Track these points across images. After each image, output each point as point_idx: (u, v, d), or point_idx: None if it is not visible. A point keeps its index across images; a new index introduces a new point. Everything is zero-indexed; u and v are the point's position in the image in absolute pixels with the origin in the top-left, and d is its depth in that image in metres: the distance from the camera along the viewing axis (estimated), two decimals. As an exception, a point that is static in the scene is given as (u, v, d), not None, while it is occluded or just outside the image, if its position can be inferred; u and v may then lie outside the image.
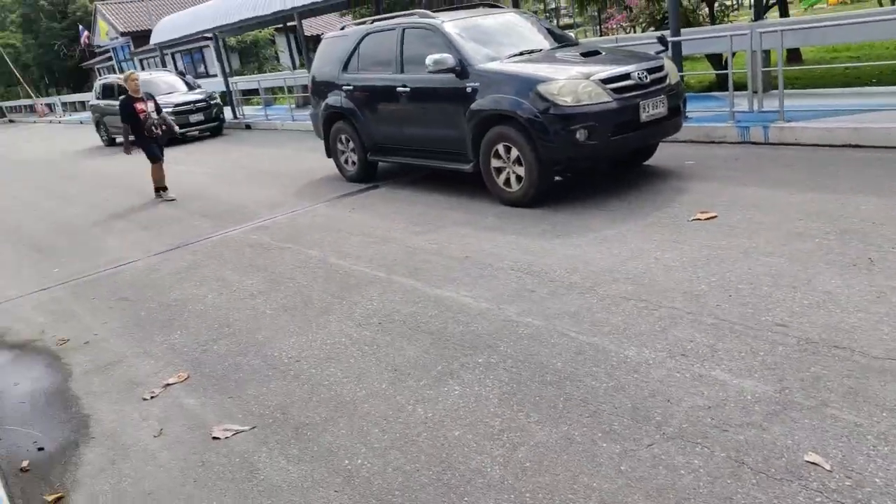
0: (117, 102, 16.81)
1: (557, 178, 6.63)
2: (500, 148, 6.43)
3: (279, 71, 26.25)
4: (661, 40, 7.63)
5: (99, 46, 38.73)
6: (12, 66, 42.51)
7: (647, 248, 4.85)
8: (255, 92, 20.97)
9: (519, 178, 6.35)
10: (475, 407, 3.18)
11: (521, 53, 6.90)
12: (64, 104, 38.10)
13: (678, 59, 8.93)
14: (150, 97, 9.54)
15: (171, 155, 13.97)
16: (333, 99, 8.56)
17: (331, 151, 9.05)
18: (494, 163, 6.54)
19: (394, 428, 3.12)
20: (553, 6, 48.94)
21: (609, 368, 3.32)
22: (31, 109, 42.75)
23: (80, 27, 38.74)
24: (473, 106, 6.51)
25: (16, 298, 6.00)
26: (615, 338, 3.61)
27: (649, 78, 6.19)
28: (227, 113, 18.49)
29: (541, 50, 7.10)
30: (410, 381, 3.52)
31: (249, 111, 19.76)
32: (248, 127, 17.76)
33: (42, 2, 42.01)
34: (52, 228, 8.71)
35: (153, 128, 9.28)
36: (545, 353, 3.56)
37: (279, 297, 5.06)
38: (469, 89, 6.56)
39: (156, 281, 5.88)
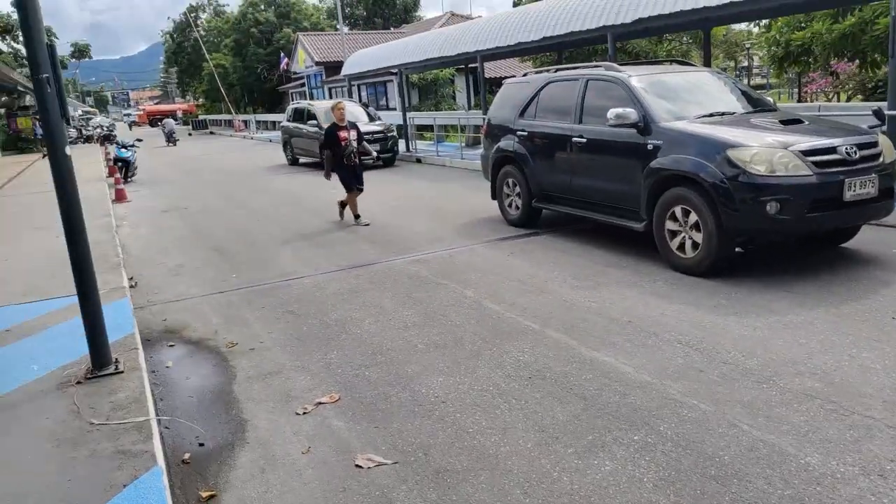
0: (305, 126, 18.29)
1: (738, 249, 6.20)
2: (678, 210, 6.13)
3: (454, 109, 27.16)
4: (878, 114, 7.01)
5: (295, 73, 42.13)
6: (220, 84, 47.34)
7: (840, 342, 4.36)
8: (429, 127, 21.76)
9: (695, 245, 6.01)
10: (627, 488, 2.96)
11: (711, 115, 6.59)
12: (258, 122, 41.71)
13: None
14: (354, 126, 9.88)
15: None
16: (506, 143, 8.65)
17: (496, 193, 9.13)
18: (669, 225, 6.25)
19: (536, 493, 2.97)
20: (745, 64, 46.94)
21: (786, 474, 2.96)
22: (230, 124, 47.20)
23: (282, 54, 42.41)
24: (653, 164, 6.29)
25: (197, 297, 6.51)
26: (795, 439, 3.23)
27: (859, 154, 5.67)
28: (401, 145, 19.30)
29: (734, 113, 6.75)
30: (558, 445, 3.36)
31: (421, 145, 20.50)
32: (418, 160, 18.41)
33: (253, 29, 46.52)
34: (236, 236, 9.42)
35: (352, 155, 9.51)
36: (711, 443, 3.26)
37: (432, 332, 5.09)
38: (650, 146, 6.35)
39: (320, 299, 6.14)
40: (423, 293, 6.10)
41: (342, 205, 9.88)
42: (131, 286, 6.66)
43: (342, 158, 9.52)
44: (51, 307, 5.74)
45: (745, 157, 5.60)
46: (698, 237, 5.97)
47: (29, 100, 34.33)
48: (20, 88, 31.74)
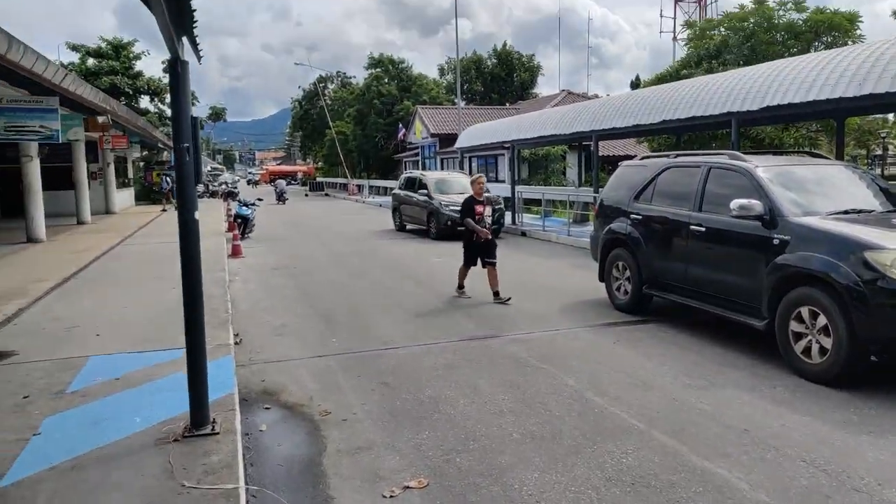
0: (415, 194, 18.70)
1: (873, 357, 5.64)
2: (805, 311, 5.67)
3: (564, 185, 27.08)
4: None
5: (410, 143, 43.64)
6: (339, 150, 49.71)
7: None
8: (536, 202, 21.74)
9: (823, 350, 5.51)
10: None
11: (846, 212, 6.15)
12: (370, 187, 43.25)
13: None
14: (490, 203, 9.93)
15: (447, 250, 14.87)
16: (618, 225, 8.42)
17: (604, 275, 8.85)
18: (794, 326, 5.78)
19: None
20: (878, 153, 44.41)
21: None
22: (344, 188, 49.21)
23: (399, 125, 44.16)
24: (779, 260, 5.89)
25: (297, 359, 6.57)
26: None
27: None
28: (508, 218, 19.34)
29: (871, 211, 6.28)
30: (664, 568, 3.03)
31: (528, 219, 20.47)
32: (523, 234, 18.34)
33: (376, 101, 48.84)
34: (339, 299, 9.58)
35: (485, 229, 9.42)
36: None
37: (528, 421, 4.85)
38: (776, 241, 5.96)
39: (415, 373, 6.04)
40: (521, 377, 5.88)
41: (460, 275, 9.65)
42: (236, 342, 6.82)
43: (472, 232, 9.46)
44: (160, 359, 5.94)
45: (886, 260, 5.14)
46: (827, 342, 5.48)
47: (166, 155, 37.28)
48: (160, 146, 34.54)
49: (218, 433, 4.25)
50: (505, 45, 60.08)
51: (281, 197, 36.50)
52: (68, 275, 10.58)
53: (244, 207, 18.48)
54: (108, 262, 12.37)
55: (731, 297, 6.64)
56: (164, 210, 27.01)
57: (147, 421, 4.49)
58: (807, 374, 5.65)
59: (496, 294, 9.23)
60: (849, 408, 5.00)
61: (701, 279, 7.05)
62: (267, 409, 5.23)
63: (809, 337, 5.66)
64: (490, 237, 9.52)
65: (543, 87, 60.38)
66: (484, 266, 9.40)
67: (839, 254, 5.44)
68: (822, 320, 5.52)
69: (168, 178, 29.53)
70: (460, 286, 9.60)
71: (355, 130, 51.57)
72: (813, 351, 5.62)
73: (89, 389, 5.16)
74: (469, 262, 9.58)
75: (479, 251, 9.49)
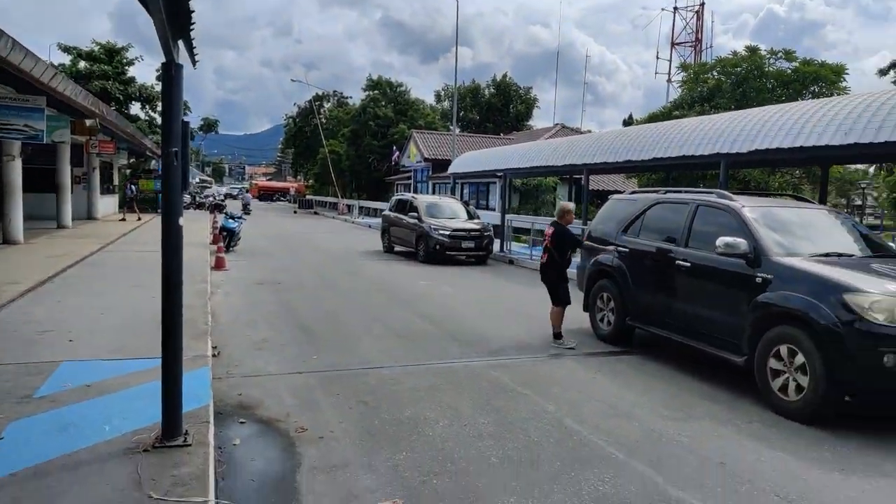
0: (405, 216, 18.72)
1: (848, 398, 5.65)
2: (783, 349, 5.71)
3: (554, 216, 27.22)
4: None
5: (404, 166, 43.76)
6: (331, 169, 49.75)
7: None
8: (526, 231, 21.81)
9: (800, 388, 5.54)
10: None
11: (827, 254, 6.22)
12: (360, 208, 43.25)
13: None
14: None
15: (434, 274, 14.85)
16: (605, 257, 8.46)
17: (588, 306, 8.86)
18: (772, 363, 5.80)
19: None
20: (858, 203, 45.18)
21: None
22: (334, 206, 49.22)
23: (394, 147, 44.31)
24: (760, 297, 5.94)
25: (276, 374, 6.49)
26: None
27: None
28: (496, 245, 19.37)
29: (852, 255, 6.35)
30: None
31: (516, 247, 20.51)
32: (511, 262, 18.37)
33: (371, 122, 49.05)
34: (322, 316, 9.50)
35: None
36: None
37: (508, 446, 4.80)
38: (759, 279, 6.01)
39: (396, 393, 5.98)
40: (502, 401, 5.84)
41: (557, 319, 8.27)
42: (214, 355, 6.73)
43: (563, 268, 8.33)
44: (134, 367, 5.83)
45: (864, 303, 5.20)
46: (804, 380, 5.52)
47: (154, 164, 37.12)
48: (148, 153, 34.38)
49: (190, 445, 4.16)
50: (505, 76, 60.73)
51: (245, 208, 36.57)
52: (44, 278, 10.43)
53: (230, 220, 18.39)
54: (86, 267, 12.22)
55: (712, 332, 6.66)
56: (122, 219, 25.60)
57: (117, 429, 4.39)
58: (783, 410, 5.66)
59: (560, 335, 8.19)
60: (823, 445, 5.02)
61: (684, 313, 7.07)
62: (242, 423, 5.15)
63: (787, 375, 5.68)
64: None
65: (538, 120, 60.99)
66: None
67: (819, 294, 5.49)
68: (799, 359, 5.55)
69: (133, 187, 28.49)
70: (559, 334, 8.20)
71: (349, 150, 51.68)
72: (790, 388, 5.64)
73: (58, 395, 5.05)
74: (566, 301, 8.32)
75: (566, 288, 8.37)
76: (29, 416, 4.60)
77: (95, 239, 17.46)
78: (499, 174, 21.68)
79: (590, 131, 39.48)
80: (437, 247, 17.12)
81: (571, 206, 8.58)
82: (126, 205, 27.42)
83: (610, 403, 5.89)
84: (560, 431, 5.15)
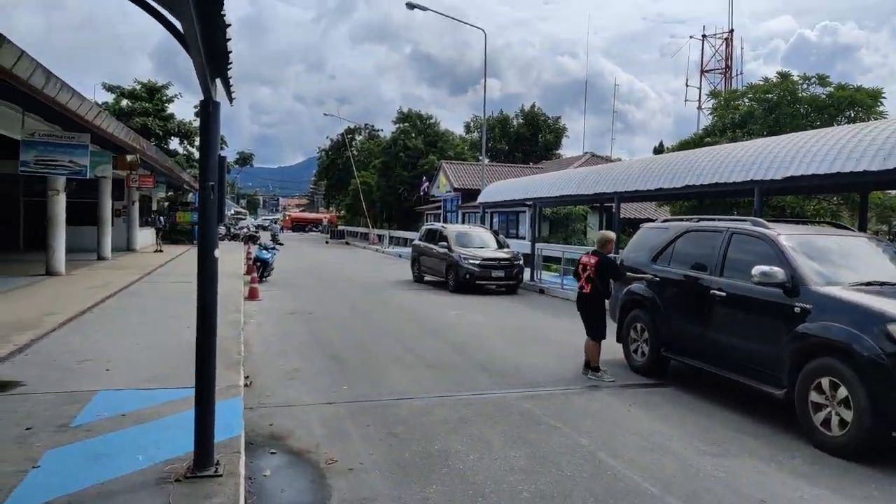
0: (435, 246, 18.77)
1: (895, 434, 5.46)
2: (825, 382, 5.54)
3: (585, 245, 27.05)
4: None
5: (433, 196, 44.05)
6: (363, 200, 50.28)
7: None
8: (556, 259, 21.69)
9: (843, 423, 5.36)
10: None
11: (869, 283, 6.06)
12: (391, 238, 43.52)
13: None
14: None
15: (465, 303, 14.82)
16: (637, 286, 8.35)
17: (621, 337, 8.74)
18: (814, 397, 5.64)
19: None
20: (902, 226, 44.16)
21: None
22: (365, 237, 49.61)
23: (423, 178, 44.68)
24: (799, 328, 5.79)
25: (307, 405, 6.50)
26: None
27: None
28: (526, 274, 19.28)
29: (895, 284, 6.17)
30: None
31: (546, 277, 20.37)
32: (541, 291, 18.25)
33: (402, 154, 49.59)
34: (353, 347, 9.52)
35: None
36: None
37: (539, 480, 4.72)
38: (798, 309, 5.87)
39: (426, 425, 5.93)
40: (534, 434, 5.76)
41: (595, 352, 8.05)
42: (246, 385, 6.77)
43: (605, 298, 8.16)
44: (168, 397, 5.90)
45: (910, 333, 5.03)
46: (847, 415, 5.34)
47: (191, 196, 37.90)
48: (185, 187, 35.17)
49: (221, 475, 4.17)
50: (533, 106, 61.00)
51: (274, 238, 36.72)
52: (84, 309, 10.65)
53: (264, 251, 18.63)
54: (124, 298, 12.46)
55: (749, 364, 6.50)
56: (158, 250, 26.01)
57: (150, 459, 4.42)
58: (826, 446, 5.48)
59: (598, 368, 8.00)
60: (869, 483, 4.84)
61: (720, 344, 6.92)
62: (273, 453, 5.15)
63: (829, 408, 5.51)
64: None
65: (568, 149, 60.97)
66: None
67: (861, 325, 5.33)
68: (842, 392, 5.38)
69: (161, 218, 28.55)
70: (598, 367, 7.99)
71: (379, 181, 52.21)
72: (833, 423, 5.47)
73: (94, 424, 5.12)
74: (603, 335, 8.08)
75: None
76: (65, 444, 4.67)
77: (134, 270, 17.82)
78: (528, 203, 21.66)
79: (619, 159, 39.35)
80: (467, 276, 17.10)
81: (612, 235, 8.49)
82: (158, 236, 27.81)
83: (645, 437, 5.77)
84: (593, 466, 5.05)
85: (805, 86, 24.51)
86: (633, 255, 8.78)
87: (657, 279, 7.99)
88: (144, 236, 29.43)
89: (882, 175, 9.23)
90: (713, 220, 7.98)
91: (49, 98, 9.94)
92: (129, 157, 20.06)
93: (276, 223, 56.34)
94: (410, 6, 27.94)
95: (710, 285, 7.04)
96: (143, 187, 25.79)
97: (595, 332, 8.05)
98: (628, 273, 8.56)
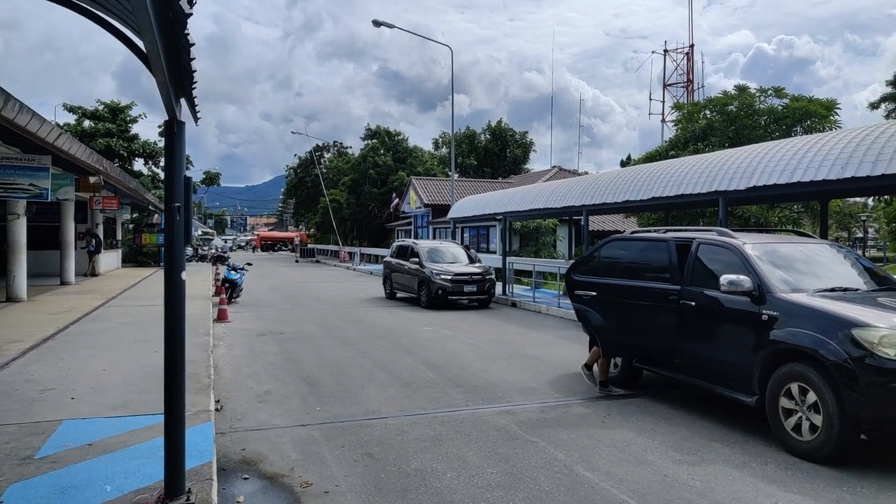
0: (407, 262, 18.75)
1: (864, 436, 5.56)
2: (794, 388, 5.63)
3: (555, 258, 27.24)
4: None
5: (404, 212, 44.05)
6: (332, 217, 50.05)
7: None
8: (527, 273, 21.80)
9: (813, 427, 5.44)
10: None
11: (832, 289, 6.18)
12: (362, 255, 43.35)
13: None
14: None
15: (437, 319, 14.80)
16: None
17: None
18: (784, 402, 5.72)
19: None
20: (859, 235, 45.25)
21: None
22: (335, 254, 49.35)
23: (394, 195, 44.66)
24: (768, 335, 5.87)
25: (279, 427, 6.39)
26: None
27: None
28: (498, 288, 19.33)
29: (857, 289, 6.31)
30: None
31: (518, 290, 20.48)
32: (514, 305, 18.30)
33: (371, 171, 49.52)
34: (326, 367, 9.41)
35: None
36: None
37: (517, 496, 4.69)
38: (765, 317, 5.96)
39: (402, 444, 5.88)
40: (510, 449, 5.74)
41: (594, 364, 8.15)
42: (217, 409, 6.64)
43: None
44: (136, 424, 5.76)
45: (873, 338, 5.14)
46: (817, 419, 5.42)
47: (157, 218, 37.34)
48: (151, 208, 34.64)
49: (193, 503, 4.07)
50: (500, 122, 61.49)
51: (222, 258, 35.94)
52: (46, 336, 10.38)
53: (233, 272, 18.40)
54: (89, 323, 12.18)
55: (720, 373, 6.57)
56: (91, 273, 24.42)
57: (118, 490, 4.30)
58: (798, 451, 5.56)
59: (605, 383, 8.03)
60: (841, 486, 4.90)
61: (690, 354, 6.98)
62: (245, 479, 5.05)
63: (800, 414, 5.59)
64: None
65: (536, 163, 61.63)
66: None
67: (827, 330, 5.43)
68: (811, 397, 5.47)
69: (94, 240, 25.16)
70: (605, 382, 8.04)
71: (349, 199, 52.07)
72: (804, 428, 5.54)
73: (59, 455, 4.97)
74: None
75: None
76: (29, 477, 4.52)
77: (98, 294, 17.45)
78: (498, 217, 21.78)
79: (587, 173, 39.79)
80: (440, 292, 17.09)
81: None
82: (90, 261, 25.03)
83: (620, 448, 5.79)
84: (570, 479, 5.05)
85: (762, 98, 25.10)
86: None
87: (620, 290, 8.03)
88: (109, 260, 28.88)
89: (840, 183, 9.46)
90: (680, 230, 8.06)
91: (8, 120, 9.72)
92: (92, 179, 19.72)
93: (226, 243, 55.62)
94: (377, 24, 28.06)
95: (679, 296, 7.09)
96: (106, 210, 25.29)
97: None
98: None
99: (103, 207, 24.39)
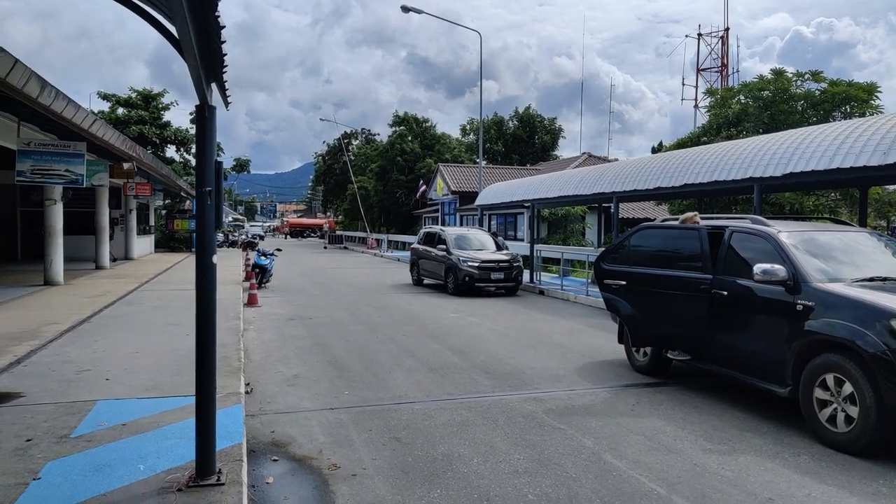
0: (434, 249, 18.76)
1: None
2: (829, 379, 5.51)
3: (583, 245, 27.03)
4: None
5: (431, 199, 44.02)
6: (360, 204, 50.27)
7: None
8: (555, 261, 21.67)
9: (849, 419, 5.33)
10: None
11: (871, 279, 6.03)
12: (389, 242, 43.49)
13: None
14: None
15: (464, 306, 14.80)
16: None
17: (622, 338, 8.69)
18: (819, 394, 5.61)
19: None
20: (903, 222, 44.18)
21: None
22: (363, 241, 49.60)
23: (421, 182, 44.65)
24: (803, 326, 5.75)
25: (308, 411, 6.45)
26: None
27: None
28: (525, 276, 19.25)
29: (898, 278, 6.14)
30: None
31: (546, 278, 20.36)
32: (541, 293, 18.22)
33: (399, 158, 49.56)
34: (354, 351, 9.47)
35: None
36: None
37: (544, 483, 4.68)
38: (800, 307, 5.84)
39: (429, 429, 5.89)
40: (537, 436, 5.72)
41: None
42: (247, 392, 6.73)
43: None
44: (168, 405, 5.86)
45: (914, 329, 5.00)
46: (853, 411, 5.30)
47: (189, 204, 37.84)
48: (182, 194, 35.10)
49: (223, 484, 4.13)
50: (529, 108, 60.91)
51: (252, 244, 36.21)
52: (82, 318, 10.60)
53: (263, 258, 18.58)
54: (123, 306, 12.41)
55: (752, 363, 6.47)
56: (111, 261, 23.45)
57: (151, 469, 4.38)
58: (832, 442, 5.45)
59: None
60: (877, 479, 4.80)
61: (723, 343, 6.88)
62: (275, 461, 5.11)
63: (835, 405, 5.48)
64: None
65: (565, 150, 61.10)
66: None
67: (865, 321, 5.30)
68: (847, 388, 5.35)
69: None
70: None
71: (377, 186, 52.20)
72: (839, 419, 5.44)
73: (94, 434, 5.08)
74: None
75: None
76: (66, 455, 4.62)
77: (132, 279, 17.77)
78: (526, 204, 21.64)
79: (617, 159, 39.35)
80: (467, 279, 17.07)
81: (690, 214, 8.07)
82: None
83: (649, 437, 5.73)
84: (599, 467, 5.01)
85: (799, 82, 24.54)
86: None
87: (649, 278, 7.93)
88: (143, 245, 29.37)
89: (882, 170, 9.21)
90: (712, 218, 7.93)
91: (44, 107, 9.89)
92: (125, 166, 20.01)
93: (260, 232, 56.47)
94: (406, 9, 27.95)
95: (711, 285, 6.98)
96: (140, 195, 25.72)
97: None
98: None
99: (136, 193, 24.80)
